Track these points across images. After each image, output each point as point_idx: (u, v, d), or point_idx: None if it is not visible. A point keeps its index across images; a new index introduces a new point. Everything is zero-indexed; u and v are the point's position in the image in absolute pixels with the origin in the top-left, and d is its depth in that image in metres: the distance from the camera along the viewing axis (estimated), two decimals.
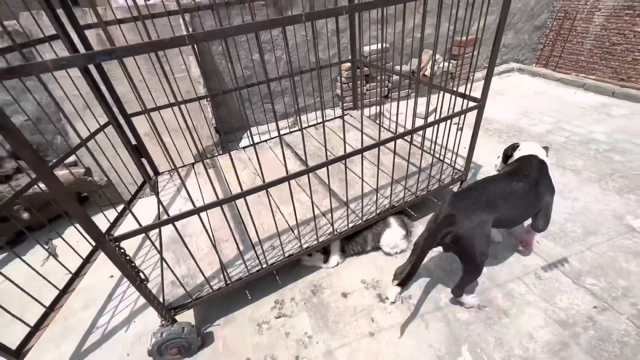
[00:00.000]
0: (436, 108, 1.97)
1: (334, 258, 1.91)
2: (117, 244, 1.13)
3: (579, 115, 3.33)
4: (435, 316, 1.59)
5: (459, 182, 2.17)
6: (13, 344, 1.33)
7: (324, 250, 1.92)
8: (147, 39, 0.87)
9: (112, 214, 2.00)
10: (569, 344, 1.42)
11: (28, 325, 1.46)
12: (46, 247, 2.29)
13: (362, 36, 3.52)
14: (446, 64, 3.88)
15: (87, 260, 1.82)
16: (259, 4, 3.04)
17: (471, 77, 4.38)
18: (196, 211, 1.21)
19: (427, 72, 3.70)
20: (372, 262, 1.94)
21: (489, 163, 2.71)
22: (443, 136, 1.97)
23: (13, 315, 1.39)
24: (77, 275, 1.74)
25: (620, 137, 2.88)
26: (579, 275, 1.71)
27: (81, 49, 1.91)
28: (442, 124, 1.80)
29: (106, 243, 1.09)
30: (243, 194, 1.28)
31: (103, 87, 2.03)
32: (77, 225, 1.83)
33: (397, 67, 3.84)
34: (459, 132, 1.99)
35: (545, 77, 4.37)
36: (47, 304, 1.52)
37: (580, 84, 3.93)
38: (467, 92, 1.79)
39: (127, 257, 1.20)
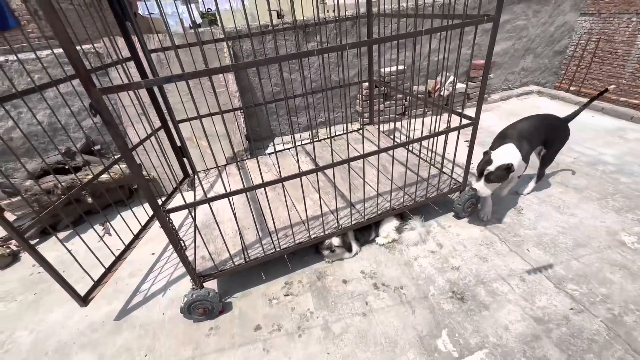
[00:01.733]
0: (436, 124, 2.23)
1: (354, 247, 2.19)
2: (168, 215, 1.50)
3: (591, 137, 3.40)
4: (422, 304, 1.81)
5: (458, 192, 2.38)
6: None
7: (347, 245, 2.19)
8: (193, 57, 1.25)
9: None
10: (541, 337, 1.58)
11: (93, 279, 1.87)
12: (102, 227, 2.77)
13: (380, 59, 3.86)
14: (462, 85, 4.11)
15: (136, 237, 2.24)
16: (289, 32, 3.49)
17: (486, 98, 4.55)
18: (227, 195, 1.56)
19: (443, 93, 3.95)
20: (373, 257, 2.19)
21: None
22: (444, 149, 2.21)
23: (83, 269, 1.80)
24: (128, 247, 2.16)
25: (630, 159, 2.94)
26: (562, 281, 1.86)
27: (147, 69, 2.39)
28: (442, 139, 2.05)
29: (161, 213, 1.46)
30: (264, 184, 1.61)
31: (159, 97, 2.51)
32: (123, 214, 2.27)
33: (415, 87, 4.12)
34: (467, 147, 2.22)
35: (564, 100, 4.44)
36: (100, 272, 1.93)
37: (599, 108, 3.98)
38: (479, 111, 2.05)
39: (174, 227, 1.56)
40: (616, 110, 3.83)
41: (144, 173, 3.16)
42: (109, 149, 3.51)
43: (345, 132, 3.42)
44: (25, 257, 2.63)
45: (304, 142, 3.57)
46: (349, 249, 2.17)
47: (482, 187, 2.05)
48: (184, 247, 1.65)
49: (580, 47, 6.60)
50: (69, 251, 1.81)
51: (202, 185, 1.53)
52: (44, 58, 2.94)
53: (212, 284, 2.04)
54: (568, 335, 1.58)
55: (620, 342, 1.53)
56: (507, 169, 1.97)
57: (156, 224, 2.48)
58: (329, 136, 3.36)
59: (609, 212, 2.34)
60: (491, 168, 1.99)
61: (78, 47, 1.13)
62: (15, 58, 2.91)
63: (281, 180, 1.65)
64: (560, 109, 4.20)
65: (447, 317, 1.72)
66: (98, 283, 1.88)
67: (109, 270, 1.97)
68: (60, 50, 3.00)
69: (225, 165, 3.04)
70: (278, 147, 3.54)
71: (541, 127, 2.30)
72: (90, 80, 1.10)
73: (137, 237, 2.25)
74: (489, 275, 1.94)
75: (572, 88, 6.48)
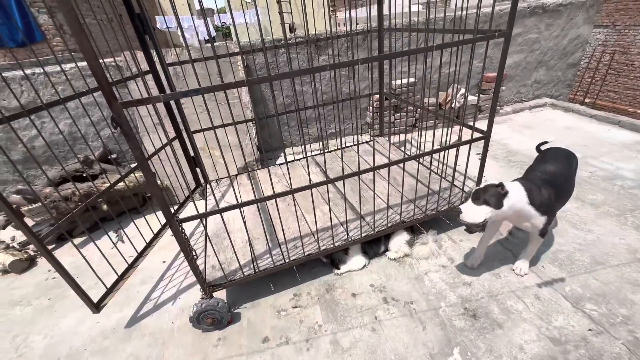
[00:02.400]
0: (448, 137, 2.22)
1: (360, 259, 2.16)
2: (180, 225, 1.53)
3: (608, 151, 3.32)
4: (433, 320, 1.77)
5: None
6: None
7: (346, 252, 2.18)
8: (208, 69, 1.29)
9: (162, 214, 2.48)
10: (558, 359, 1.53)
11: (105, 286, 1.90)
12: (115, 235, 2.83)
13: (392, 71, 3.89)
14: (473, 97, 4.10)
15: (149, 245, 2.28)
16: (302, 46, 3.57)
17: (497, 110, 4.52)
18: (238, 205, 1.58)
19: (454, 105, 3.94)
20: (383, 270, 2.16)
21: None
22: (455, 162, 2.20)
23: (97, 277, 1.84)
24: (140, 255, 2.19)
25: None
26: (580, 300, 1.80)
27: (164, 81, 2.48)
28: (453, 151, 2.05)
29: (174, 222, 1.49)
30: (275, 196, 1.63)
31: (175, 109, 2.59)
32: (136, 221, 2.32)
33: (426, 99, 4.13)
34: (479, 160, 2.20)
35: (578, 113, 4.37)
36: (113, 279, 1.96)
37: (615, 122, 3.90)
38: (491, 124, 2.03)
39: (186, 236, 1.59)
40: (634, 124, 3.74)
41: (158, 182, 3.23)
42: (124, 157, 3.61)
43: (355, 143, 3.44)
44: (42, 262, 2.70)
45: (314, 152, 3.60)
46: (337, 267, 2.15)
47: (467, 208, 1.64)
48: (195, 257, 1.67)
49: (595, 59, 6.51)
50: (85, 258, 1.85)
51: (214, 195, 1.56)
52: (68, 71, 3.08)
53: (221, 294, 2.05)
54: (587, 357, 1.52)
55: None
56: (498, 186, 1.62)
57: (167, 232, 2.53)
58: (339, 147, 3.38)
59: (629, 229, 2.26)
60: (479, 186, 1.69)
61: (100, 61, 1.19)
62: (41, 71, 3.06)
63: (292, 191, 1.66)
64: (575, 122, 4.13)
65: (459, 335, 1.68)
66: (110, 290, 1.92)
67: (122, 277, 2.00)
68: (83, 63, 3.13)
69: (236, 175, 3.08)
70: (289, 158, 3.58)
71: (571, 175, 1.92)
72: (113, 94, 1.15)
73: (149, 245, 2.29)
74: (502, 292, 1.89)
75: (587, 100, 6.37)
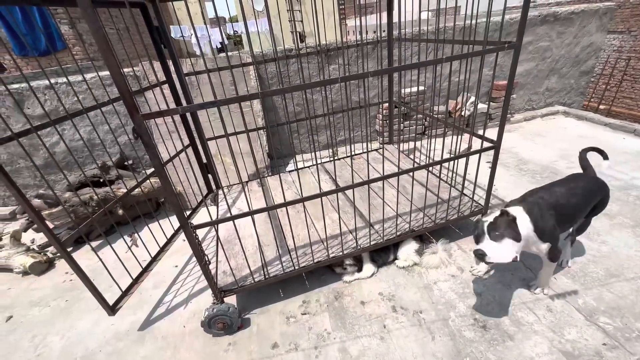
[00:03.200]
0: (457, 145, 2.23)
1: (370, 267, 2.18)
2: (194, 230, 1.58)
3: (623, 161, 3.26)
4: (443, 330, 1.77)
5: (480, 214, 2.34)
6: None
7: (360, 267, 2.20)
8: (221, 79, 1.35)
9: (175, 219, 2.54)
10: None
11: (121, 289, 1.96)
12: (129, 239, 2.91)
13: (401, 79, 3.92)
14: (483, 105, 4.09)
15: (162, 249, 2.34)
16: (312, 55, 3.64)
17: (508, 118, 4.48)
18: (250, 213, 1.62)
19: (464, 113, 3.94)
20: (392, 278, 2.17)
21: None
22: (465, 171, 2.20)
23: (113, 279, 1.90)
24: (154, 259, 2.25)
25: None
26: (593, 313, 1.77)
27: (179, 91, 2.56)
28: (463, 160, 2.05)
29: (188, 228, 1.54)
30: (285, 204, 1.66)
31: (189, 117, 2.67)
32: (150, 226, 2.39)
33: (435, 107, 4.14)
34: (489, 169, 2.19)
35: (592, 121, 4.30)
36: (127, 282, 2.02)
37: (630, 130, 3.82)
38: (502, 133, 2.02)
39: (199, 242, 1.63)
40: None
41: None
42: (139, 163, 3.71)
43: (364, 151, 3.47)
44: (60, 264, 2.79)
45: (323, 160, 3.64)
46: (360, 269, 2.17)
47: (490, 247, 1.47)
48: (208, 262, 1.71)
49: (610, 65, 6.40)
50: (102, 261, 1.92)
51: (226, 201, 1.60)
52: (88, 80, 3.21)
53: (231, 300, 2.08)
54: None
55: None
56: (503, 215, 1.52)
57: (179, 237, 2.59)
58: (348, 155, 3.41)
59: None
60: (490, 219, 1.54)
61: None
62: (63, 80, 3.20)
63: (302, 200, 1.70)
64: (588, 131, 4.07)
65: (468, 346, 1.67)
66: (125, 293, 1.97)
67: (136, 281, 2.06)
68: (103, 72, 3.26)
69: (247, 182, 3.14)
70: (298, 165, 3.63)
71: (588, 199, 1.81)
72: (135, 106, 1.21)
73: (162, 249, 2.35)
74: (513, 303, 1.87)
75: (601, 107, 6.26)
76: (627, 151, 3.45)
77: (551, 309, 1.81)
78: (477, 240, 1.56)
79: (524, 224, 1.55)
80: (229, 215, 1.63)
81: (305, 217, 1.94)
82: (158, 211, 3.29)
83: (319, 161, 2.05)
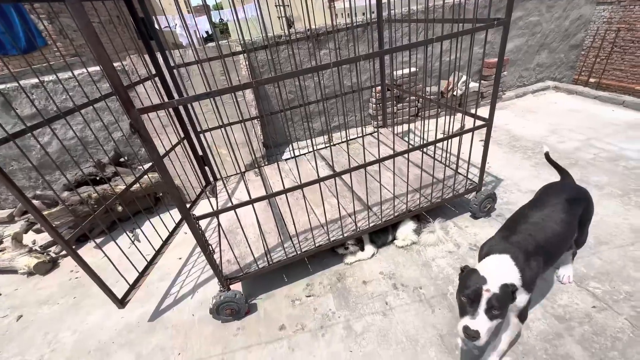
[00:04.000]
0: (450, 125, 2.26)
1: (370, 248, 2.25)
2: (197, 221, 1.61)
3: (612, 132, 3.33)
4: (442, 303, 1.85)
5: (474, 192, 2.40)
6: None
7: (361, 246, 2.27)
8: (212, 69, 1.35)
9: (176, 213, 2.57)
10: (563, 335, 1.59)
11: (128, 282, 2.01)
12: (131, 234, 2.93)
13: (393, 61, 3.90)
14: (475, 84, 4.10)
15: (165, 242, 2.38)
16: (302, 41, 3.59)
17: (500, 95, 4.50)
18: (251, 202, 1.65)
19: (456, 92, 3.95)
20: (391, 258, 2.24)
21: (510, 177, 2.87)
22: (458, 150, 2.24)
23: (120, 274, 1.94)
24: (158, 252, 2.29)
25: None
26: (584, 279, 1.86)
27: (170, 84, 2.54)
28: (457, 139, 2.09)
29: (191, 220, 1.57)
30: (285, 191, 1.70)
31: (182, 110, 2.65)
32: (151, 221, 2.41)
33: (427, 88, 4.14)
34: (483, 147, 2.23)
35: (582, 94, 4.34)
36: (132, 277, 2.06)
37: (619, 102, 3.88)
38: (493, 111, 2.05)
39: (203, 232, 1.67)
40: (638, 103, 3.72)
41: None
42: (135, 159, 3.69)
43: (359, 135, 3.48)
44: (64, 263, 2.82)
45: (319, 146, 3.66)
46: (362, 248, 2.24)
47: (484, 327, 1.18)
48: (212, 251, 1.75)
49: (599, 37, 6.40)
50: (107, 257, 1.95)
51: (227, 191, 1.63)
52: (77, 76, 3.14)
53: (237, 287, 2.14)
54: (591, 333, 1.58)
55: None
56: (508, 287, 1.21)
57: (181, 231, 2.62)
58: (343, 140, 3.43)
59: (632, 209, 2.30)
60: (492, 288, 1.19)
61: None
62: (50, 78, 3.14)
63: (301, 186, 1.73)
64: (579, 104, 4.12)
65: None
66: (133, 286, 2.02)
67: (142, 274, 2.10)
68: (93, 68, 3.19)
69: (244, 173, 3.15)
70: (295, 153, 3.64)
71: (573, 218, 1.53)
72: (130, 101, 1.22)
73: (165, 242, 2.38)
74: None
75: (591, 80, 6.29)
76: (616, 123, 3.52)
77: (544, 278, 1.89)
78: (469, 303, 1.22)
79: (514, 278, 1.26)
80: (229, 205, 1.66)
81: (305, 204, 1.98)
82: (157, 206, 3.31)
83: (314, 148, 2.07)
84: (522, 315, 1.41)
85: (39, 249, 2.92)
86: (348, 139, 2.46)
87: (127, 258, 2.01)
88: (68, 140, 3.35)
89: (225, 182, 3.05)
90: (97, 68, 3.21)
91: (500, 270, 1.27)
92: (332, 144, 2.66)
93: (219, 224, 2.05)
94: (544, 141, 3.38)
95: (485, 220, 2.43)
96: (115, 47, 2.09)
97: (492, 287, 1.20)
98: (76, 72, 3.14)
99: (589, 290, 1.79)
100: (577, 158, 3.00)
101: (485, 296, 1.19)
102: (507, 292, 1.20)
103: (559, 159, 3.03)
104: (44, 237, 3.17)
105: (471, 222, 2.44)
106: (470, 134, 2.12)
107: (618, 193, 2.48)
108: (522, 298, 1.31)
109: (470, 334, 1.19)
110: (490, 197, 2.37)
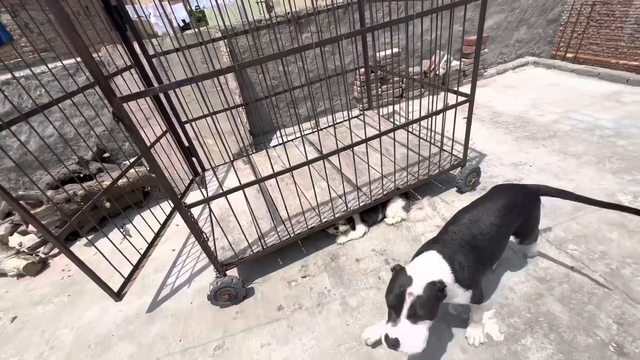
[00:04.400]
0: (434, 104, 2.30)
1: (361, 227, 2.31)
2: (189, 209, 1.62)
3: (588, 104, 3.45)
4: None
5: (459, 167, 2.47)
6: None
7: (352, 226, 2.32)
8: (192, 57, 1.34)
9: (166, 205, 2.56)
10: (544, 294, 1.70)
11: (123, 276, 2.01)
12: (122, 229, 2.91)
13: (375, 42, 3.89)
14: (456, 62, 4.14)
15: (157, 235, 2.37)
16: (283, 25, 3.53)
17: (481, 73, 4.57)
18: (241, 187, 1.66)
19: (439, 72, 3.99)
20: (382, 235, 2.30)
21: (493, 152, 2.96)
22: (442, 127, 2.29)
23: (114, 267, 1.94)
24: (151, 245, 2.29)
25: (627, 122, 3.00)
26: (563, 242, 1.97)
27: (150, 73, 2.47)
28: (441, 117, 2.14)
29: (183, 208, 1.58)
30: (275, 175, 1.71)
31: (164, 101, 2.60)
32: (140, 215, 2.39)
33: (410, 69, 4.16)
34: (466, 123, 2.29)
35: (560, 68, 4.45)
36: (127, 272, 2.06)
37: (594, 74, 4.00)
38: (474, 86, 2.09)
39: (195, 220, 1.68)
40: (612, 75, 3.85)
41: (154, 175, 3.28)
42: (119, 154, 3.62)
43: (345, 119, 3.49)
44: (54, 263, 2.79)
45: (305, 132, 3.66)
46: (354, 228, 2.29)
47: (406, 334, 1.16)
48: (206, 239, 1.77)
49: (575, 11, 6.50)
50: (100, 252, 1.94)
51: (217, 178, 1.64)
52: (47, 71, 3.02)
53: (233, 272, 2.18)
54: (569, 291, 1.70)
55: (618, 292, 1.64)
56: (435, 284, 1.18)
57: (173, 223, 2.62)
58: (330, 124, 3.44)
59: (607, 175, 2.42)
60: (416, 290, 1.16)
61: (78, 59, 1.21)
62: (21, 74, 3.00)
63: (290, 169, 1.75)
64: (557, 79, 4.23)
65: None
66: (128, 279, 2.02)
67: (137, 267, 2.11)
68: (68, 61, 3.06)
69: (232, 162, 3.14)
70: (281, 140, 3.64)
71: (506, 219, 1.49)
72: (112, 90, 1.20)
73: (158, 234, 2.38)
74: None
75: (569, 55, 6.43)
76: (592, 94, 3.64)
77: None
78: (391, 307, 1.20)
79: (445, 276, 1.24)
80: (220, 193, 1.67)
81: (295, 188, 2.00)
82: (147, 200, 3.27)
83: (302, 133, 2.08)
84: (478, 300, 1.42)
85: (26, 251, 2.87)
86: (335, 122, 2.49)
87: (120, 252, 2.00)
88: (47, 137, 3.24)
89: (209, 173, 3.03)
90: (72, 61, 3.09)
91: (427, 267, 1.25)
92: (319, 128, 2.67)
93: (210, 212, 2.06)
94: (524, 115, 3.48)
95: (470, 194, 2.52)
96: (89, 38, 2.01)
97: (416, 288, 1.16)
98: (50, 66, 3.02)
99: (567, 252, 1.90)
100: (556, 130, 3.11)
101: (408, 301, 1.15)
102: (434, 291, 1.16)
103: (539, 131, 3.14)
104: (31, 239, 3.11)
105: (457, 196, 2.52)
106: (454, 111, 2.16)
107: (594, 161, 2.60)
108: (461, 296, 1.30)
109: (390, 343, 1.16)
110: (474, 171, 2.45)
